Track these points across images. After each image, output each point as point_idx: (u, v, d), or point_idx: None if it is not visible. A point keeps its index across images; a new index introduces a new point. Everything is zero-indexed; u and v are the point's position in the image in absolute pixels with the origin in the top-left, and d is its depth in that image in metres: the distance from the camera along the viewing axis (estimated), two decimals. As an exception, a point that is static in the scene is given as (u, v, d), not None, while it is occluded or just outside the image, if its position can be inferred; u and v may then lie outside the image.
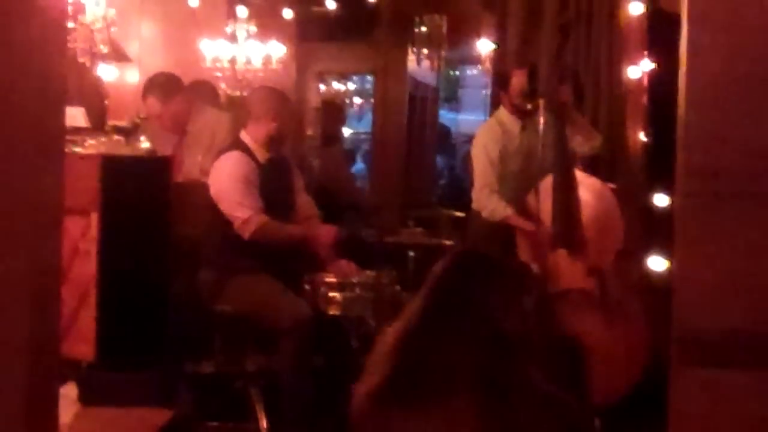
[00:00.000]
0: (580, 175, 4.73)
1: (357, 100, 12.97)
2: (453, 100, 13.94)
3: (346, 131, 9.76)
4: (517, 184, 5.00)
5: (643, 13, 5.43)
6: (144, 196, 4.48)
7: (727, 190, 2.01)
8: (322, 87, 10.56)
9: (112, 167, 4.45)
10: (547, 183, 4.63)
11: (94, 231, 4.44)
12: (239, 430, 4.74)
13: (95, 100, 6.19)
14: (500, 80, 5.44)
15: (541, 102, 4.63)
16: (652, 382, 3.93)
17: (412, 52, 9.26)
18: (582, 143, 4.92)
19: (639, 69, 5.45)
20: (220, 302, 4.67)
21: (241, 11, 7.38)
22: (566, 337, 4.35)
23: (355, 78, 12.39)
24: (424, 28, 9.26)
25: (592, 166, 5.14)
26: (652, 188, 5.05)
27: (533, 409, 2.30)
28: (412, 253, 6.40)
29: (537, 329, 2.50)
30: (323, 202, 5.38)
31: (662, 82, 5.15)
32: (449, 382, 2.30)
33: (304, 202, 5.04)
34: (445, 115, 12.24)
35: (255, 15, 7.45)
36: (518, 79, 5.02)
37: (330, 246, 4.77)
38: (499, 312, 2.37)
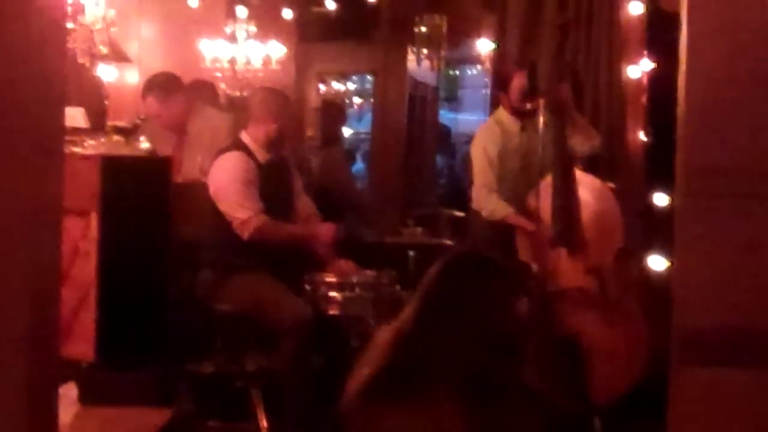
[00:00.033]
0: (579, 174, 4.73)
1: (357, 100, 12.95)
2: (453, 100, 13.92)
3: (346, 131, 9.75)
4: (516, 184, 5.00)
5: (643, 13, 5.43)
6: (144, 197, 4.48)
7: (727, 189, 2.02)
8: (322, 87, 10.54)
9: (112, 167, 4.45)
10: (546, 182, 4.63)
11: (94, 231, 4.44)
12: (239, 430, 4.74)
13: (95, 100, 6.20)
14: (500, 82, 5.44)
15: (541, 101, 4.63)
16: (652, 381, 3.94)
17: (412, 52, 9.24)
18: (581, 142, 4.92)
19: (639, 69, 5.45)
20: (220, 302, 4.67)
21: (241, 11, 7.37)
22: (566, 337, 4.36)
23: (354, 78, 12.37)
24: (423, 28, 9.25)
25: (592, 166, 5.13)
26: (652, 188, 5.06)
27: (517, 409, 2.32)
28: (412, 253, 6.40)
29: (533, 329, 2.52)
30: (323, 202, 5.38)
31: (662, 82, 5.16)
32: (436, 381, 2.33)
33: (304, 203, 5.05)
34: (445, 115, 12.23)
35: (254, 15, 7.44)
36: (518, 81, 5.02)
37: (330, 244, 4.77)
38: (489, 312, 2.39)
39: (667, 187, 4.45)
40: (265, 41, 7.43)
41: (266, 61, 7.37)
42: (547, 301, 4.32)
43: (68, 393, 3.62)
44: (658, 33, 5.27)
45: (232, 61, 7.25)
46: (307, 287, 4.66)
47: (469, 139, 7.64)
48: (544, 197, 4.59)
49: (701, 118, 2.04)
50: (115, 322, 4.36)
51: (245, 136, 4.81)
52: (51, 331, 2.13)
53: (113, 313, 4.36)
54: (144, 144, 4.87)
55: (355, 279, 4.67)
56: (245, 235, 4.61)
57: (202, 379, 4.79)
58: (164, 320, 4.47)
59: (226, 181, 4.69)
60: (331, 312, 4.62)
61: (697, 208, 2.03)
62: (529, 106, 4.90)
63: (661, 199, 4.92)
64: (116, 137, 4.77)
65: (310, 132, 8.94)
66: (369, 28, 9.28)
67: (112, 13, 5.83)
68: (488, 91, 7.17)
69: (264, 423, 4.60)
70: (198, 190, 4.84)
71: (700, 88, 2.04)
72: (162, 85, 5.51)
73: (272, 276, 4.65)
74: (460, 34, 9.27)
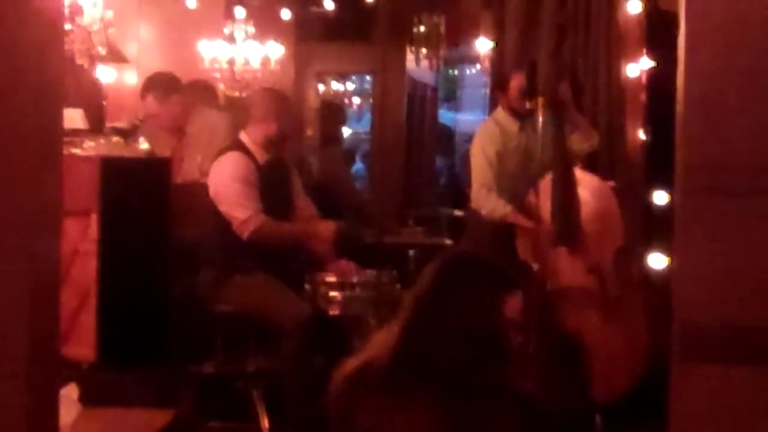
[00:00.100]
0: (579, 173, 4.74)
1: (356, 100, 12.94)
2: (452, 99, 13.91)
3: (345, 131, 9.74)
4: (515, 183, 5.00)
5: (642, 12, 5.43)
6: (143, 198, 4.49)
7: (727, 186, 2.02)
8: (321, 87, 10.54)
9: (112, 168, 4.46)
10: (546, 181, 4.63)
11: (93, 232, 4.45)
12: (240, 430, 4.74)
13: (93, 101, 6.19)
14: (499, 81, 5.44)
15: (540, 101, 4.63)
16: (653, 378, 3.94)
17: (411, 51, 9.24)
18: (580, 141, 4.93)
19: (638, 67, 5.45)
20: (220, 302, 4.67)
21: (239, 12, 7.37)
22: (566, 335, 4.36)
23: (354, 78, 12.36)
24: (422, 28, 9.25)
25: (591, 164, 5.14)
26: (652, 186, 5.06)
27: (500, 408, 2.34)
28: (412, 253, 6.40)
29: (532, 328, 2.54)
30: (323, 202, 5.38)
31: (661, 80, 5.16)
32: (421, 377, 2.37)
33: (303, 203, 5.04)
34: (444, 115, 12.21)
35: (253, 16, 7.43)
36: (517, 81, 5.02)
37: (330, 242, 4.77)
38: (481, 312, 2.41)
39: (667, 185, 4.46)
40: (264, 42, 7.42)
41: (265, 62, 7.37)
42: (547, 299, 4.32)
43: (69, 393, 3.61)
44: (657, 32, 5.27)
45: (231, 62, 7.24)
46: (307, 287, 4.65)
47: (468, 138, 7.65)
48: (543, 196, 4.59)
49: (700, 116, 2.04)
50: (116, 322, 4.37)
51: (244, 137, 4.81)
52: (51, 331, 2.13)
53: (114, 314, 4.37)
54: (143, 145, 4.88)
55: (355, 279, 4.67)
56: (245, 235, 4.61)
57: (202, 380, 4.79)
58: (165, 321, 4.47)
59: (226, 182, 4.68)
60: (332, 312, 4.62)
61: (696, 206, 2.03)
62: (528, 105, 4.90)
63: (660, 197, 4.92)
64: (115, 138, 4.78)
65: (309, 132, 8.94)
66: (368, 28, 9.27)
67: (110, 14, 5.81)
68: (487, 90, 7.16)
69: (265, 423, 4.60)
70: (197, 190, 4.84)
71: (699, 86, 2.04)
72: (161, 85, 5.51)
73: (272, 276, 4.65)
74: (458, 33, 9.27)
